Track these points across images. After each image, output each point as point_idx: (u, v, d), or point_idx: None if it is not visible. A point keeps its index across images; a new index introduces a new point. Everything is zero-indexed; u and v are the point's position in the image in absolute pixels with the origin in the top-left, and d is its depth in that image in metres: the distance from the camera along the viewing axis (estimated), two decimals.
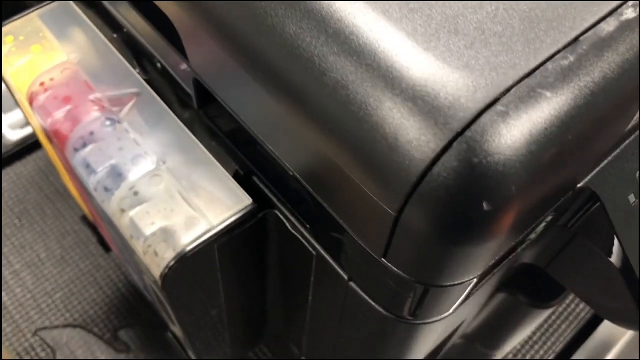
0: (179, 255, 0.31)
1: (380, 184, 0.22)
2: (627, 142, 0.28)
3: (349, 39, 0.23)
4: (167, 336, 0.55)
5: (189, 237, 0.31)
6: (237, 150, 0.33)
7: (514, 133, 0.21)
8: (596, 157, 0.26)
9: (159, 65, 0.37)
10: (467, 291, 0.28)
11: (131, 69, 0.36)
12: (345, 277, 0.31)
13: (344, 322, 0.35)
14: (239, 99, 0.29)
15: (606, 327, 0.66)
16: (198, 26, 0.28)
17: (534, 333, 0.63)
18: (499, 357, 0.56)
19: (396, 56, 0.22)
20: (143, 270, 0.35)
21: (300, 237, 0.32)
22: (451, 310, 0.31)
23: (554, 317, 0.64)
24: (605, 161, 0.28)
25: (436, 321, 0.31)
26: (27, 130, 0.69)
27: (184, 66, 0.34)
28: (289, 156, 0.28)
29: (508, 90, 0.21)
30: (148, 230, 0.31)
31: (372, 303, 0.30)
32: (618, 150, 0.28)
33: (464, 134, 0.21)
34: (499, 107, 0.21)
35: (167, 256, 0.31)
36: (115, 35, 0.38)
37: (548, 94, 0.21)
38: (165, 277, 0.31)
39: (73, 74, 0.37)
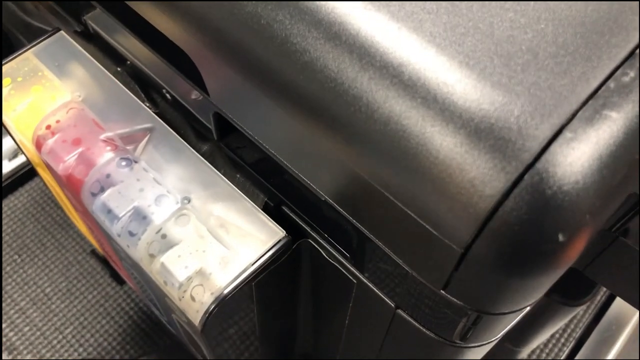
0: (217, 299, 0.29)
1: (445, 220, 0.21)
2: None
3: (398, 71, 0.21)
4: None
5: (226, 278, 0.30)
6: (264, 180, 0.32)
7: (584, 159, 0.20)
8: None
9: (169, 97, 0.35)
10: (521, 315, 0.28)
11: (140, 103, 0.35)
12: (392, 305, 0.30)
13: (388, 344, 0.34)
14: (268, 129, 0.28)
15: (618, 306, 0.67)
16: (221, 59, 0.26)
17: None
18: (526, 354, 0.56)
19: (451, 86, 0.21)
20: (174, 310, 0.34)
21: (338, 266, 0.31)
22: (503, 332, 0.30)
23: None
24: None
25: (487, 344, 0.30)
26: (18, 161, 0.67)
27: (197, 96, 0.33)
28: (329, 188, 0.27)
29: (574, 115, 0.20)
30: (182, 275, 0.30)
31: (422, 329, 0.29)
32: None
33: (534, 165, 0.20)
34: (567, 134, 0.20)
35: (206, 300, 0.29)
36: (118, 69, 0.37)
37: (614, 115, 0.20)
38: (205, 321, 0.30)
39: (79, 113, 0.35)
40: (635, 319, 0.68)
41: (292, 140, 0.26)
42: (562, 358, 0.61)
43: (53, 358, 0.59)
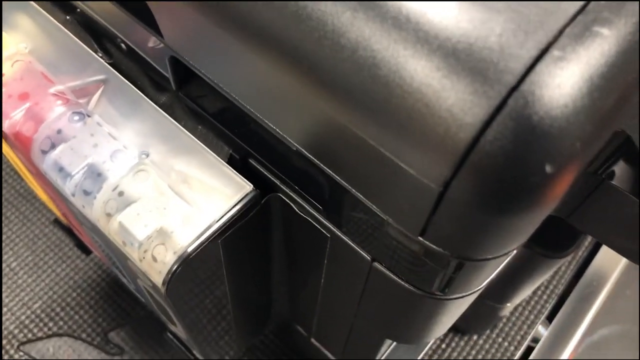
0: (180, 258, 0.27)
1: (421, 156, 0.19)
2: None
3: None
4: (166, 336, 0.52)
5: (189, 235, 0.28)
6: (229, 131, 0.30)
7: (574, 81, 0.18)
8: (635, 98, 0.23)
9: (123, 46, 0.32)
10: (506, 260, 0.26)
11: (92, 53, 0.32)
12: (368, 258, 0.28)
13: (365, 301, 0.33)
14: (229, 71, 0.25)
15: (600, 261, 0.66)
16: None
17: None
18: (509, 311, 0.55)
19: (425, 4, 0.19)
20: (138, 274, 0.32)
21: (311, 220, 0.29)
22: (486, 282, 0.28)
23: None
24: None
25: (469, 294, 0.29)
26: None
27: (153, 43, 0.30)
28: (296, 132, 0.25)
29: (561, 32, 0.18)
30: (142, 234, 0.27)
31: (401, 282, 0.28)
32: None
33: (519, 87, 0.18)
34: (555, 52, 0.18)
35: (168, 260, 0.27)
36: (68, 17, 0.34)
37: (605, 31, 0.18)
38: (168, 283, 0.27)
39: (26, 66, 0.32)
40: (615, 273, 0.67)
41: (255, 82, 0.24)
42: (544, 315, 0.61)
43: (21, 334, 0.57)
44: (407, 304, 0.30)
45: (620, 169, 0.29)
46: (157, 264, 0.27)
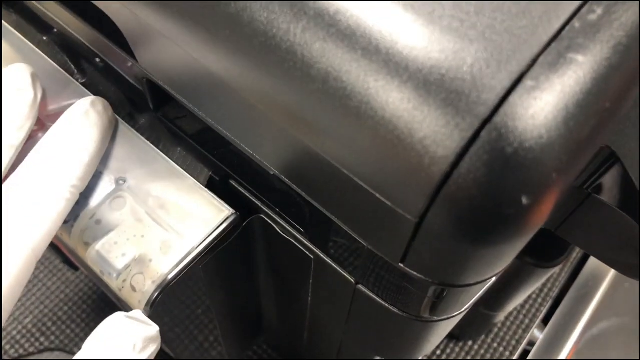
0: (160, 286, 0.27)
1: (396, 188, 0.19)
2: None
3: (335, 20, 0.19)
4: None
5: (168, 263, 0.27)
6: (208, 153, 0.29)
7: (548, 110, 0.17)
8: (623, 115, 0.23)
9: (101, 65, 0.32)
10: (490, 283, 0.26)
11: (68, 76, 0.31)
12: (352, 281, 0.27)
13: (352, 321, 0.32)
14: (203, 98, 0.25)
15: (595, 261, 0.66)
16: (141, 15, 0.23)
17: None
18: (503, 317, 0.55)
19: (395, 34, 0.18)
20: (119, 301, 0.31)
21: (294, 242, 0.29)
22: (471, 303, 0.28)
23: None
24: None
25: (456, 316, 0.28)
26: None
27: (131, 63, 0.30)
28: (272, 158, 0.24)
29: (535, 61, 0.18)
30: (119, 264, 0.27)
31: (386, 305, 0.27)
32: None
33: (492, 119, 0.17)
34: (528, 82, 0.17)
35: (147, 290, 0.27)
36: (44, 38, 0.33)
37: (580, 58, 0.18)
38: (149, 313, 0.27)
39: None
40: (612, 272, 0.67)
41: (229, 109, 0.24)
42: (540, 318, 0.60)
43: (13, 350, 0.57)
44: (394, 325, 0.29)
45: (606, 182, 0.29)
46: (136, 294, 0.27)
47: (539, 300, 0.61)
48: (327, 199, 0.23)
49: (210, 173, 0.29)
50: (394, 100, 0.18)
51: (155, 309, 0.27)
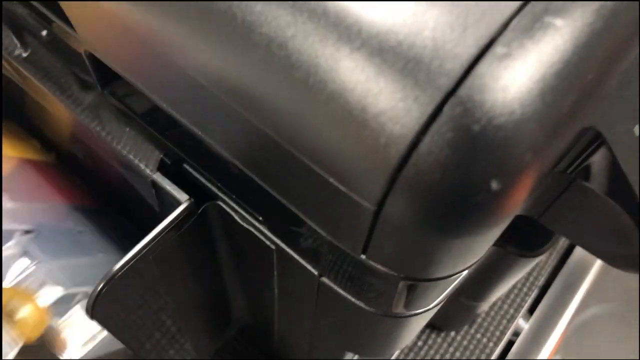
0: (104, 278, 0.24)
1: (350, 172, 0.17)
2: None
3: None
4: None
5: None
6: (159, 134, 0.27)
7: (522, 82, 0.15)
8: (608, 92, 0.21)
9: (45, 37, 0.29)
10: (463, 276, 0.23)
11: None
12: (315, 273, 0.25)
13: (320, 315, 0.30)
14: (147, 75, 0.23)
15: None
16: None
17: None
18: (487, 307, 0.53)
19: None
20: None
21: (254, 231, 0.27)
22: (442, 297, 0.26)
23: None
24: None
25: (428, 310, 0.26)
26: None
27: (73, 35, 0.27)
28: (224, 141, 0.22)
29: (507, 24, 0.15)
30: None
31: (352, 299, 0.25)
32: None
33: (455, 92, 0.15)
34: (498, 49, 0.15)
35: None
36: None
37: (558, 22, 0.15)
38: (92, 306, 0.25)
39: None
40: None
41: (171, 82, 0.21)
42: (525, 307, 0.59)
43: None
44: (362, 321, 0.27)
45: (592, 167, 0.27)
46: None
47: (524, 289, 0.59)
48: (282, 185, 0.21)
49: (162, 156, 0.27)
50: (345, 71, 0.15)
51: (99, 304, 0.25)
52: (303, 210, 0.21)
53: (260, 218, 0.25)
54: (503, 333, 0.56)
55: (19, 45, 0.29)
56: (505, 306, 0.57)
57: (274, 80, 0.17)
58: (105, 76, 0.27)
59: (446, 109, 0.15)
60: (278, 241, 0.26)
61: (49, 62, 0.29)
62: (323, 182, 0.18)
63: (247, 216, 0.26)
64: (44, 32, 0.29)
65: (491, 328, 0.57)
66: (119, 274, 0.25)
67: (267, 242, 0.27)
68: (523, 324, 0.59)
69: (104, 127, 0.27)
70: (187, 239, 0.27)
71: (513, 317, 0.57)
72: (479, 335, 0.56)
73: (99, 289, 0.25)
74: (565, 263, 0.63)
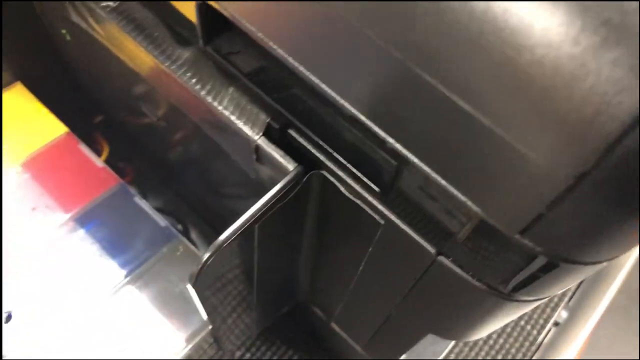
0: (213, 247, 0.23)
1: (551, 139, 0.15)
2: None
3: None
4: None
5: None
6: (267, 95, 0.25)
7: None
8: None
9: None
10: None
11: None
12: (432, 251, 0.24)
13: (414, 294, 0.29)
14: (277, 20, 0.21)
15: None
16: None
17: None
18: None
19: None
20: None
21: (362, 204, 0.25)
22: (563, 288, 0.24)
23: None
24: None
25: (540, 299, 0.25)
26: None
27: None
28: (359, 94, 0.20)
29: None
30: None
31: (468, 278, 0.23)
32: None
33: None
34: None
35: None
36: None
37: None
38: (197, 275, 0.23)
39: None
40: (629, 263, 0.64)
41: (306, 29, 0.19)
42: (567, 297, 0.58)
43: None
44: (466, 301, 0.26)
45: None
46: None
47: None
48: (430, 152, 0.19)
49: (268, 119, 0.25)
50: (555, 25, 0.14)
51: (205, 273, 0.23)
52: (454, 181, 0.19)
53: (378, 190, 0.24)
54: (547, 321, 0.56)
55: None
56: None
57: (449, 17, 0.15)
58: (211, 30, 0.25)
59: None
60: (392, 216, 0.24)
61: (140, 14, 0.27)
62: (501, 149, 0.16)
63: (356, 187, 0.25)
64: None
65: (535, 316, 0.56)
66: (227, 242, 0.23)
67: (377, 217, 0.25)
68: (564, 313, 0.58)
69: (204, 85, 0.25)
70: (286, 209, 0.26)
71: (557, 306, 0.56)
72: (522, 323, 0.55)
73: (205, 258, 0.23)
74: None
